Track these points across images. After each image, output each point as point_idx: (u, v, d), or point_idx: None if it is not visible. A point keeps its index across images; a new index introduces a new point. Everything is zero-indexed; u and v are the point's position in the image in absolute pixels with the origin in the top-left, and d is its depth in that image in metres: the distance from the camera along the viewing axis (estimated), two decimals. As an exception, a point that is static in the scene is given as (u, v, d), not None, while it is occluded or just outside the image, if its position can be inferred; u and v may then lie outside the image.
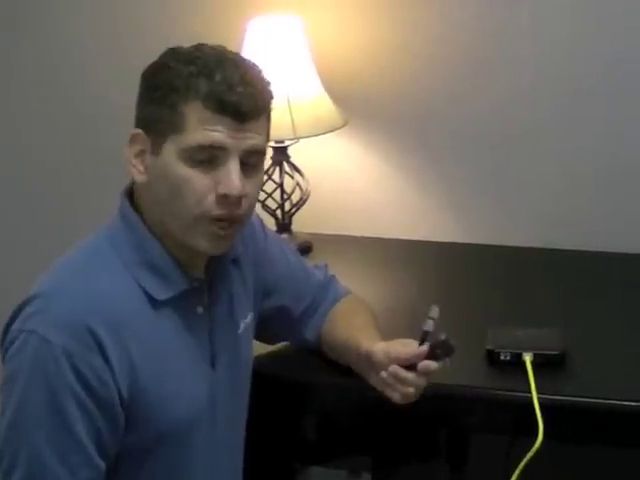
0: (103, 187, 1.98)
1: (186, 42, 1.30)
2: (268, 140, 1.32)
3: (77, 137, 2.36)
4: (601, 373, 1.53)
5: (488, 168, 2.12)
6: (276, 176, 2.05)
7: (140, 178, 1.29)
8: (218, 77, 1.23)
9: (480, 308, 1.78)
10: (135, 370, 1.24)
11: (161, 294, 1.29)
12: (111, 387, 1.21)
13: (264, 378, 1.51)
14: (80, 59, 2.32)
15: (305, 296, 1.57)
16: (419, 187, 2.17)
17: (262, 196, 2.02)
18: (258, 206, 1.75)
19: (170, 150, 1.25)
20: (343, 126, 2.02)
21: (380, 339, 1.44)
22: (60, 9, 2.30)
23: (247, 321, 1.45)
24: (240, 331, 1.43)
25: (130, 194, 1.32)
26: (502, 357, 1.54)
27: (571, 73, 2.02)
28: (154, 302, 1.28)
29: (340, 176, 2.21)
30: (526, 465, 1.39)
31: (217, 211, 1.25)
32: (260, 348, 1.57)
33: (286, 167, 2.06)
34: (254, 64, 1.30)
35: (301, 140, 2.00)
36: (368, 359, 1.42)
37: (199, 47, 1.28)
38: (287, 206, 2.08)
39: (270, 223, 1.94)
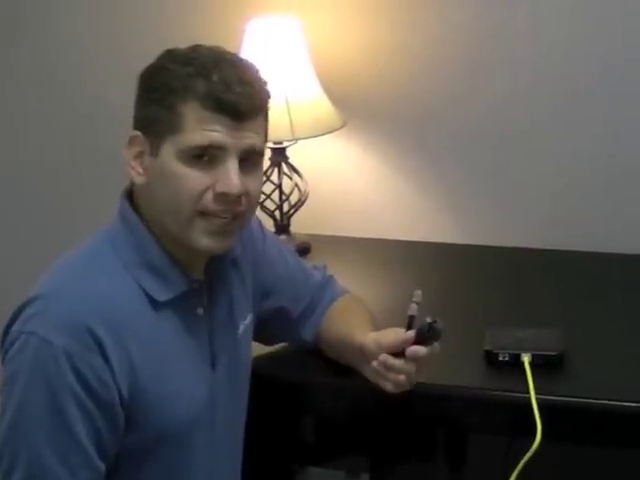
0: (101, 187, 1.98)
1: (185, 43, 1.31)
2: (266, 139, 1.33)
3: (75, 137, 2.36)
4: (600, 374, 1.53)
5: (487, 169, 2.13)
6: (275, 177, 2.05)
7: (139, 180, 1.29)
8: (215, 77, 1.24)
9: (479, 309, 1.78)
10: (135, 370, 1.24)
11: (161, 295, 1.29)
12: (111, 387, 1.21)
13: (262, 379, 1.51)
14: (78, 59, 2.32)
15: (303, 297, 1.57)
16: (418, 188, 2.18)
17: (261, 197, 2.01)
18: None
19: (169, 151, 1.25)
20: (342, 127, 2.02)
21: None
22: (58, 9, 2.30)
23: (246, 322, 1.45)
24: (240, 332, 1.43)
25: (129, 195, 1.33)
26: (500, 358, 1.54)
27: (569, 74, 2.02)
28: (154, 303, 1.28)
29: (339, 177, 2.21)
30: (524, 466, 1.39)
31: (215, 207, 1.26)
32: (258, 349, 1.57)
33: (285, 168, 2.06)
34: (251, 64, 1.31)
35: (300, 141, 2.00)
36: (361, 351, 1.42)
37: (196, 48, 1.29)
38: (286, 207, 2.08)
39: (269, 224, 1.94)
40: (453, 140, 2.12)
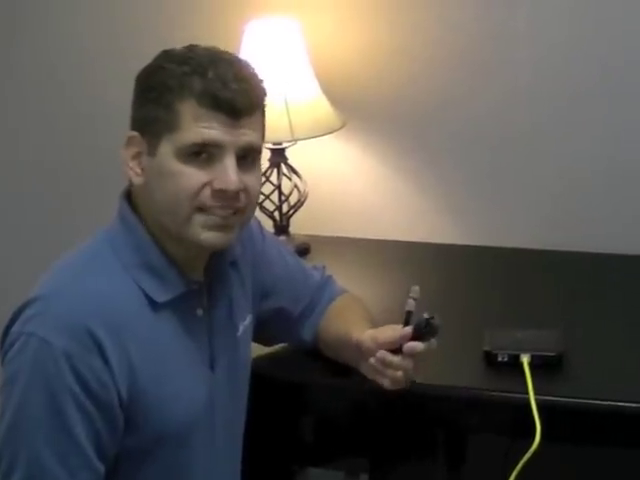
0: (101, 187, 1.98)
1: (184, 43, 1.31)
2: (263, 137, 1.33)
3: (75, 137, 2.36)
4: (599, 374, 1.53)
5: (486, 170, 2.13)
6: (274, 178, 2.05)
7: (137, 180, 1.29)
8: (211, 75, 1.24)
9: (478, 310, 1.78)
10: (134, 371, 1.24)
11: (160, 296, 1.29)
12: (110, 388, 1.21)
13: (261, 379, 1.51)
14: (78, 59, 2.32)
15: (303, 297, 1.57)
16: (417, 189, 2.18)
17: (260, 197, 2.01)
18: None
19: (166, 149, 1.25)
20: (341, 128, 2.02)
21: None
22: (58, 9, 2.30)
23: (246, 323, 1.45)
24: (239, 333, 1.43)
25: (128, 196, 1.33)
26: (500, 358, 1.54)
27: (569, 76, 2.03)
28: (154, 304, 1.28)
29: (338, 178, 2.21)
30: (524, 466, 1.39)
31: (213, 203, 1.26)
32: (258, 349, 1.57)
33: (284, 169, 2.06)
34: (247, 62, 1.31)
35: (299, 142, 2.00)
36: (358, 348, 1.43)
37: (192, 48, 1.29)
38: (285, 208, 2.08)
39: (268, 225, 1.94)
40: (453, 141, 2.12)
